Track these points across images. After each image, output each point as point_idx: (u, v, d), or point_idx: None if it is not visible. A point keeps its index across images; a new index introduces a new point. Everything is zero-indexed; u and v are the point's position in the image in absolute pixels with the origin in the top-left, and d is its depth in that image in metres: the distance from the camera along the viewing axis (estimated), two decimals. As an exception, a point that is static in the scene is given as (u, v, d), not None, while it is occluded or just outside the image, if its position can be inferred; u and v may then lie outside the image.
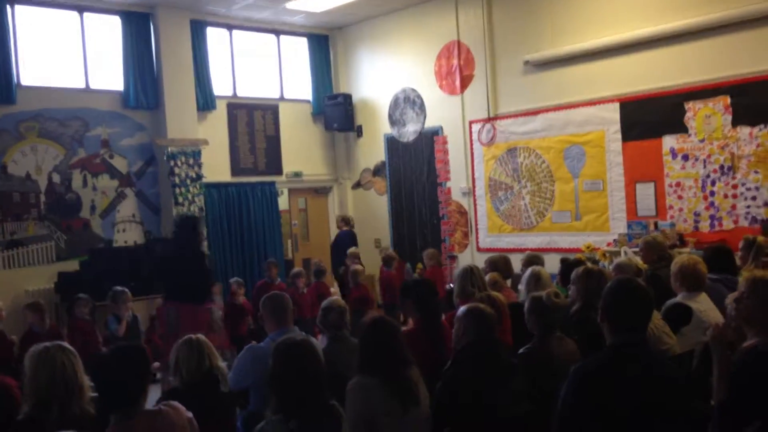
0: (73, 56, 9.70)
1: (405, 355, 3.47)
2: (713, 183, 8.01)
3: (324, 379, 2.99)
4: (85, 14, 9.71)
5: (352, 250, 10.18)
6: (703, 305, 4.42)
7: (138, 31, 9.99)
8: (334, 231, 12.45)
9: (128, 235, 9.99)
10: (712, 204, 8.04)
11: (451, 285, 6.42)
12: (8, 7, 8.99)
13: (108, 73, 9.95)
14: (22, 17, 9.24)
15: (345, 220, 11.21)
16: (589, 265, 5.00)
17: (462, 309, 3.79)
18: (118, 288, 7.66)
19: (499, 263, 6.19)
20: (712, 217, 8.04)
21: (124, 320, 7.47)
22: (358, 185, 12.30)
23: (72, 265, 9.13)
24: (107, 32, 9.92)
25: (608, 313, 2.95)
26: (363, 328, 3.58)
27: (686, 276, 4.56)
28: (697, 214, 8.15)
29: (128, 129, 10.04)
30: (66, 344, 2.95)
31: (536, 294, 4.12)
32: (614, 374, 2.78)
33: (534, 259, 6.21)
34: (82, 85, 9.75)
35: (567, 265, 5.78)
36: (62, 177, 9.45)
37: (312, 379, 2.93)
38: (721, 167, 7.94)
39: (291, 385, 2.90)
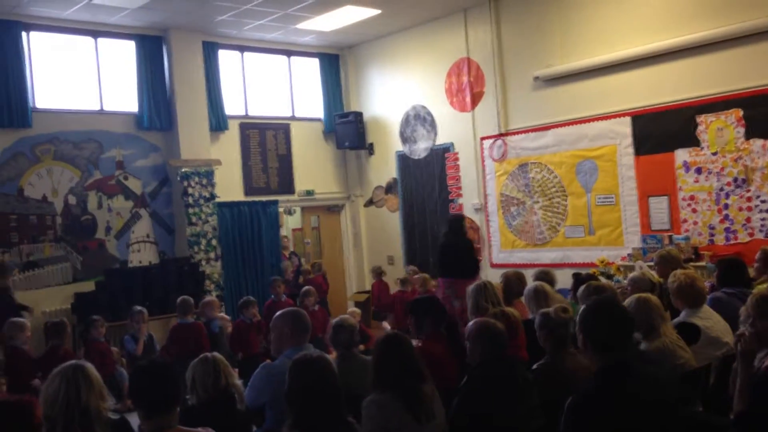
0: (87, 80, 9.84)
1: (419, 370, 3.47)
2: (727, 196, 7.98)
3: (340, 395, 2.99)
4: (100, 39, 9.86)
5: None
6: (707, 320, 4.39)
7: (151, 54, 10.13)
8: (347, 249, 12.50)
9: (143, 255, 10.06)
10: (726, 217, 8.01)
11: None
12: (23, 33, 9.15)
13: (122, 96, 10.08)
14: (37, 43, 9.40)
15: None
16: (596, 281, 4.99)
17: (471, 325, 3.79)
18: (137, 308, 7.72)
19: (512, 279, 6.18)
20: (727, 230, 8.00)
21: (141, 339, 7.50)
22: (370, 203, 12.33)
23: (88, 286, 9.20)
24: (121, 56, 10.06)
25: (588, 336, 2.92)
26: (376, 345, 3.58)
27: (686, 294, 4.54)
28: (711, 228, 8.12)
29: (142, 150, 10.15)
30: (85, 364, 2.97)
31: (545, 310, 4.11)
32: (603, 403, 2.75)
33: (542, 275, 6.18)
34: (97, 108, 9.88)
35: (579, 281, 5.76)
36: (78, 199, 9.55)
37: (328, 395, 2.94)
38: (735, 180, 7.91)
39: (308, 402, 2.91)
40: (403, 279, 9.83)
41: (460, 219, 8.37)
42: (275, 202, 11.32)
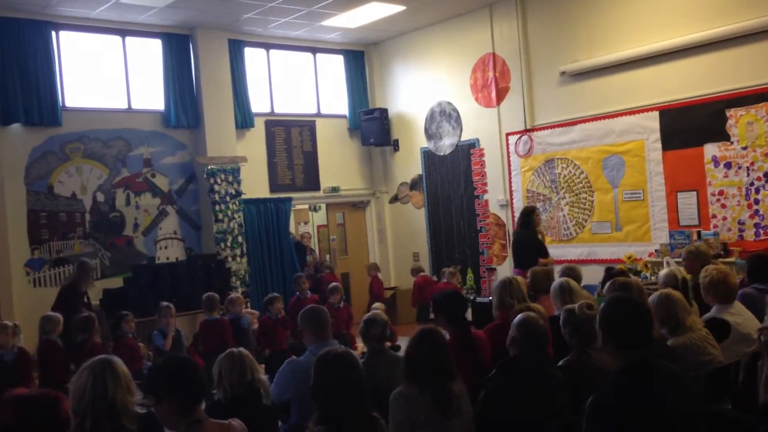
0: (115, 78, 9.97)
1: (449, 366, 3.48)
2: (757, 191, 7.86)
3: (365, 390, 3.00)
4: (127, 38, 9.98)
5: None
6: (738, 317, 4.33)
7: (178, 53, 10.23)
8: (372, 245, 12.52)
9: (170, 252, 10.17)
10: (756, 212, 7.88)
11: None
12: (53, 32, 9.29)
13: (149, 94, 10.19)
14: (66, 42, 9.54)
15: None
16: (624, 277, 4.94)
17: (517, 318, 3.79)
18: (164, 303, 7.78)
19: (540, 275, 6.14)
20: (756, 226, 7.88)
21: (170, 335, 7.56)
22: (395, 199, 12.33)
23: (116, 282, 9.30)
24: (148, 54, 10.17)
25: (610, 335, 2.88)
26: (411, 339, 3.60)
27: (718, 289, 4.48)
28: (741, 223, 7.99)
29: (169, 148, 10.26)
30: (113, 358, 3.00)
31: (569, 306, 4.08)
32: (625, 402, 2.72)
33: (568, 271, 6.14)
34: (125, 106, 10.01)
35: (610, 275, 5.71)
36: (106, 196, 9.68)
37: (354, 390, 2.95)
38: (765, 174, 7.78)
39: (333, 397, 2.92)
40: (450, 272, 9.81)
41: (524, 212, 8.61)
42: (289, 200, 11.33)
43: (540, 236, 8.58)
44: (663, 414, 2.69)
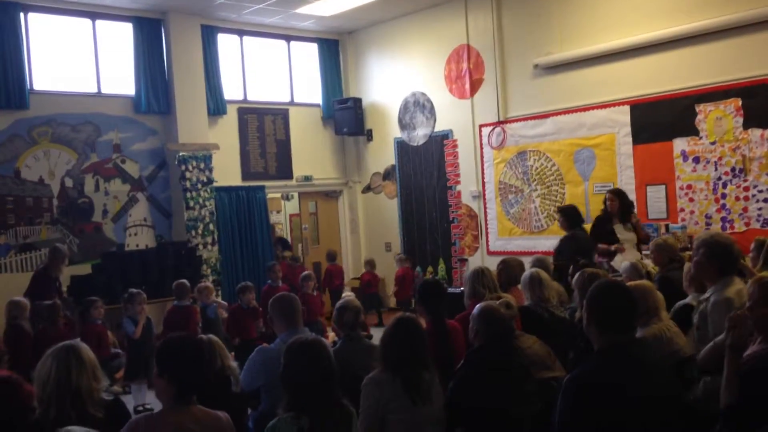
0: (85, 62, 9.79)
1: (423, 355, 3.50)
2: (725, 185, 7.99)
3: (335, 377, 3.02)
4: (98, 21, 9.81)
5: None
6: None
7: (149, 37, 10.08)
8: (345, 235, 12.50)
9: (140, 239, 10.06)
10: (723, 206, 8.01)
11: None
12: (21, 14, 9.10)
13: (120, 79, 10.03)
14: (35, 24, 9.34)
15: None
16: (591, 269, 5.00)
17: (475, 309, 3.82)
18: (134, 290, 7.68)
19: (513, 265, 6.16)
20: (723, 220, 8.01)
21: (140, 322, 7.48)
22: (368, 189, 12.32)
23: (84, 269, 9.17)
24: (119, 38, 10.01)
25: (595, 317, 2.91)
26: (388, 325, 3.62)
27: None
28: (708, 217, 8.12)
29: (140, 134, 10.12)
30: (78, 345, 2.96)
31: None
32: (606, 380, 2.75)
33: (538, 262, 6.18)
34: (94, 91, 9.84)
35: (577, 267, 5.77)
36: (75, 181, 9.53)
37: (323, 376, 2.96)
38: (733, 169, 7.91)
39: (302, 383, 2.93)
40: (400, 258, 10.65)
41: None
42: (263, 188, 11.26)
43: (630, 222, 7.41)
44: (637, 395, 2.73)
